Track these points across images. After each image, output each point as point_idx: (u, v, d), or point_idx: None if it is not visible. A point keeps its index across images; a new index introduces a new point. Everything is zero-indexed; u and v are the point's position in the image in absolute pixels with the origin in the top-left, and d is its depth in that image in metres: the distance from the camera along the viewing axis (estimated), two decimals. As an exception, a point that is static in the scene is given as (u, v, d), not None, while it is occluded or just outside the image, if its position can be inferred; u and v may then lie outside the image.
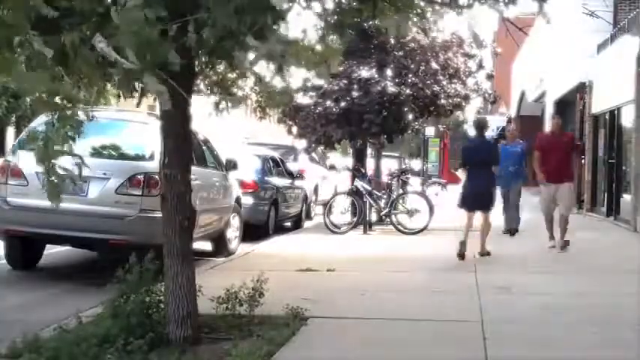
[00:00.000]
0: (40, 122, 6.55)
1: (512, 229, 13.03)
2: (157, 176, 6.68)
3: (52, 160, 4.72)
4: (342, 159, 25.27)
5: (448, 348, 5.39)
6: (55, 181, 4.74)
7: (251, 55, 4.39)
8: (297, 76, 5.02)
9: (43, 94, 4.54)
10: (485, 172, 9.94)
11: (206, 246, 10.50)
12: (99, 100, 5.37)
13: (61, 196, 4.91)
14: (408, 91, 14.46)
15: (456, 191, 17.13)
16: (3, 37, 4.05)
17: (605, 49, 17.57)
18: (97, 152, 8.37)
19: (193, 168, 6.03)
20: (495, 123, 40.92)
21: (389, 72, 14.58)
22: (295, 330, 5.65)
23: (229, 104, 5.35)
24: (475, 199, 9.93)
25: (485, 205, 9.91)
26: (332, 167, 22.19)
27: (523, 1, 5.62)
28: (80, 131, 4.87)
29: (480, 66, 16.02)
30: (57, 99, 4.61)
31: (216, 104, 5.74)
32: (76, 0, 3.82)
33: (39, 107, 4.81)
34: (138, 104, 5.07)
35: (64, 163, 4.89)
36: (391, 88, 14.22)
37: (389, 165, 22.09)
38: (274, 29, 4.31)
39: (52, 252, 9.61)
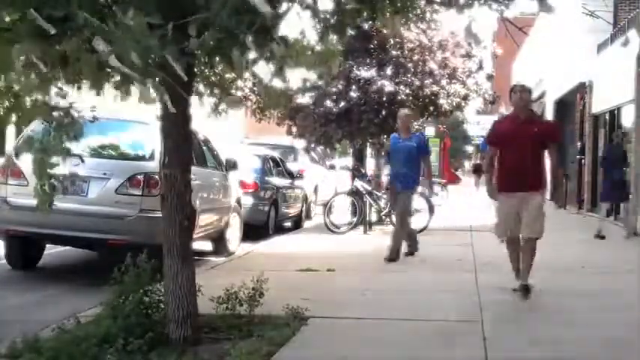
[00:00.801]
0: (36, 128, 6.58)
1: (391, 256, 9.75)
2: (157, 176, 6.69)
3: (48, 170, 4.73)
4: (338, 159, 25.25)
5: (448, 348, 5.39)
6: (47, 190, 4.75)
7: (251, 55, 4.39)
8: (297, 76, 5.02)
9: (39, 97, 4.55)
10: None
11: (206, 246, 10.51)
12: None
13: (51, 205, 4.92)
14: (407, 90, 14.48)
15: (456, 191, 17.10)
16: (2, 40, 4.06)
17: (605, 49, 17.57)
18: (97, 152, 8.39)
19: (193, 168, 6.03)
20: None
21: (388, 71, 14.61)
22: (295, 330, 5.65)
23: (228, 105, 5.36)
24: None
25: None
26: (332, 167, 22.21)
27: (523, 1, 5.64)
28: (78, 139, 4.88)
29: (480, 66, 16.04)
30: (54, 102, 4.62)
31: (215, 105, 5.75)
32: (75, 7, 3.81)
33: (36, 113, 4.82)
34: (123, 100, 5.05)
35: (59, 170, 4.91)
36: (389, 88, 14.24)
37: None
38: (273, 29, 4.31)
39: (52, 252, 9.62)
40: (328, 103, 14.48)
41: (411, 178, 10.04)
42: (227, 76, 6.14)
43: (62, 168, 5.06)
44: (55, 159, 4.81)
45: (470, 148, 64.03)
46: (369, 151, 18.13)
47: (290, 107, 14.25)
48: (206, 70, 5.78)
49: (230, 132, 26.21)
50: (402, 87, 14.46)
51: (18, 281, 8.48)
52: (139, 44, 3.67)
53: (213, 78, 6.04)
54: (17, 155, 7.70)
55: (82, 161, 6.44)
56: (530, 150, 7.19)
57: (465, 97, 15.87)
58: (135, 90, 4.39)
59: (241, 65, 4.23)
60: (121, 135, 8.86)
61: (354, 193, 14.05)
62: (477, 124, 44.12)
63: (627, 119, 15.47)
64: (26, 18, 3.80)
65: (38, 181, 4.83)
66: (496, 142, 7.52)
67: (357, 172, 15.13)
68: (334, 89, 14.21)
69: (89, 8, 3.87)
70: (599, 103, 18.15)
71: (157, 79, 4.05)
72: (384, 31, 13.60)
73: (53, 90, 4.59)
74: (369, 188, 14.14)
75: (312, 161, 20.20)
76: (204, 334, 5.55)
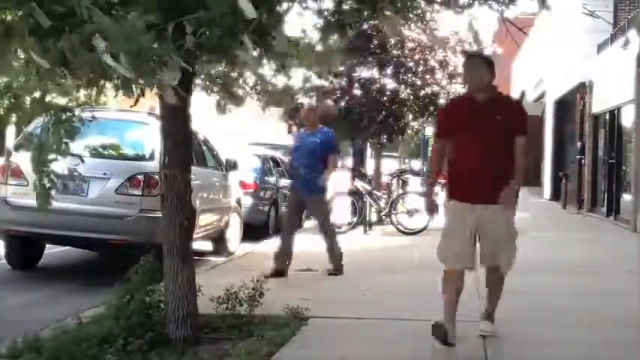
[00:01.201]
0: (35, 126, 6.57)
1: (279, 270, 8.16)
2: (157, 176, 6.69)
3: (45, 167, 4.74)
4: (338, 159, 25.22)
5: (448, 348, 5.37)
6: (47, 185, 4.76)
7: (253, 54, 4.38)
8: (298, 75, 5.03)
9: (39, 95, 4.55)
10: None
11: (206, 246, 10.50)
12: (99, 100, 5.38)
13: (50, 202, 4.93)
14: (408, 90, 14.49)
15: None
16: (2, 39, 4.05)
17: (605, 49, 17.57)
18: (97, 152, 8.39)
19: (193, 168, 6.03)
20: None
21: (388, 71, 14.63)
22: (295, 330, 5.64)
23: (230, 104, 5.36)
24: None
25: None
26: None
27: (523, 1, 5.63)
28: (75, 136, 4.89)
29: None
30: (55, 100, 4.62)
31: (218, 104, 5.74)
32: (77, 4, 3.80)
33: (36, 110, 4.83)
34: (133, 105, 5.06)
35: (58, 167, 4.92)
36: (390, 86, 14.26)
37: (389, 165, 22.10)
38: (272, 28, 4.30)
39: (52, 252, 9.61)
40: (329, 102, 14.48)
41: (312, 179, 8.42)
42: (231, 75, 6.13)
43: (60, 166, 5.07)
44: (52, 155, 4.82)
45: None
46: (369, 151, 18.14)
47: (291, 106, 14.25)
48: (206, 69, 5.76)
49: (232, 132, 26.15)
50: (402, 86, 14.48)
51: (18, 281, 8.48)
52: (134, 43, 3.66)
53: (217, 79, 6.03)
54: (17, 150, 7.71)
55: (82, 161, 6.43)
56: (494, 144, 5.17)
57: (465, 97, 15.84)
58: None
59: (245, 63, 4.21)
60: (121, 135, 8.87)
61: (354, 193, 14.04)
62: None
63: (627, 119, 15.46)
64: (26, 14, 3.80)
65: (37, 178, 4.83)
66: (447, 133, 5.41)
67: (357, 172, 15.13)
68: (337, 86, 14.22)
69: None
70: (599, 103, 18.14)
71: (154, 80, 4.03)
72: (384, 31, 13.61)
73: (54, 87, 4.60)
74: (369, 188, 14.14)
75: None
76: (204, 334, 5.55)
